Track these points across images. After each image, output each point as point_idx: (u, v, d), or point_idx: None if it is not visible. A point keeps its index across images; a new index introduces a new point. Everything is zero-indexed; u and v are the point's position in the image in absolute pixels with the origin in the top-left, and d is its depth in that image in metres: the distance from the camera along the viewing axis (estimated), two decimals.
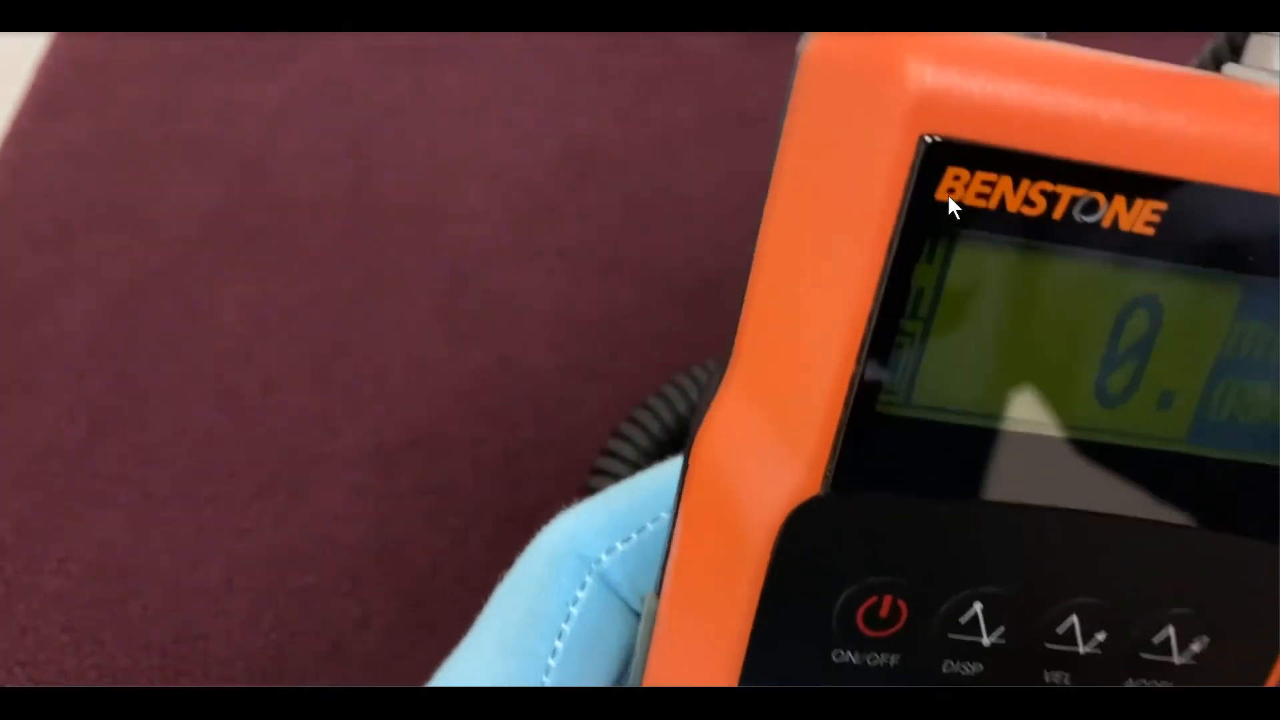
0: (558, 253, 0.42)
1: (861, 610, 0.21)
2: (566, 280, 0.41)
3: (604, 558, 0.26)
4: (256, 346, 0.40)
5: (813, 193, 0.21)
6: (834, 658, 0.21)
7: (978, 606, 0.21)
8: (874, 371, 0.19)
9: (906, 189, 0.19)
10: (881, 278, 0.19)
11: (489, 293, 0.41)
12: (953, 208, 0.19)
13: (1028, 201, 0.19)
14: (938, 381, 0.20)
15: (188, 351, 0.40)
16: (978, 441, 0.20)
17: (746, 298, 0.22)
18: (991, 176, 0.19)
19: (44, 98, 0.47)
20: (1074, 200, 0.19)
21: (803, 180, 0.21)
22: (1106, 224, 0.19)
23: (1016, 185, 0.19)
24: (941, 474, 0.20)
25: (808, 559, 0.21)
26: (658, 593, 0.23)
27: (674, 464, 0.27)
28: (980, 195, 0.19)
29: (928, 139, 0.18)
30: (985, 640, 0.22)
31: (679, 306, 0.40)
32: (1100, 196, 0.19)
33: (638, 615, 0.26)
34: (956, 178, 0.19)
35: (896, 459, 0.20)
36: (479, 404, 0.39)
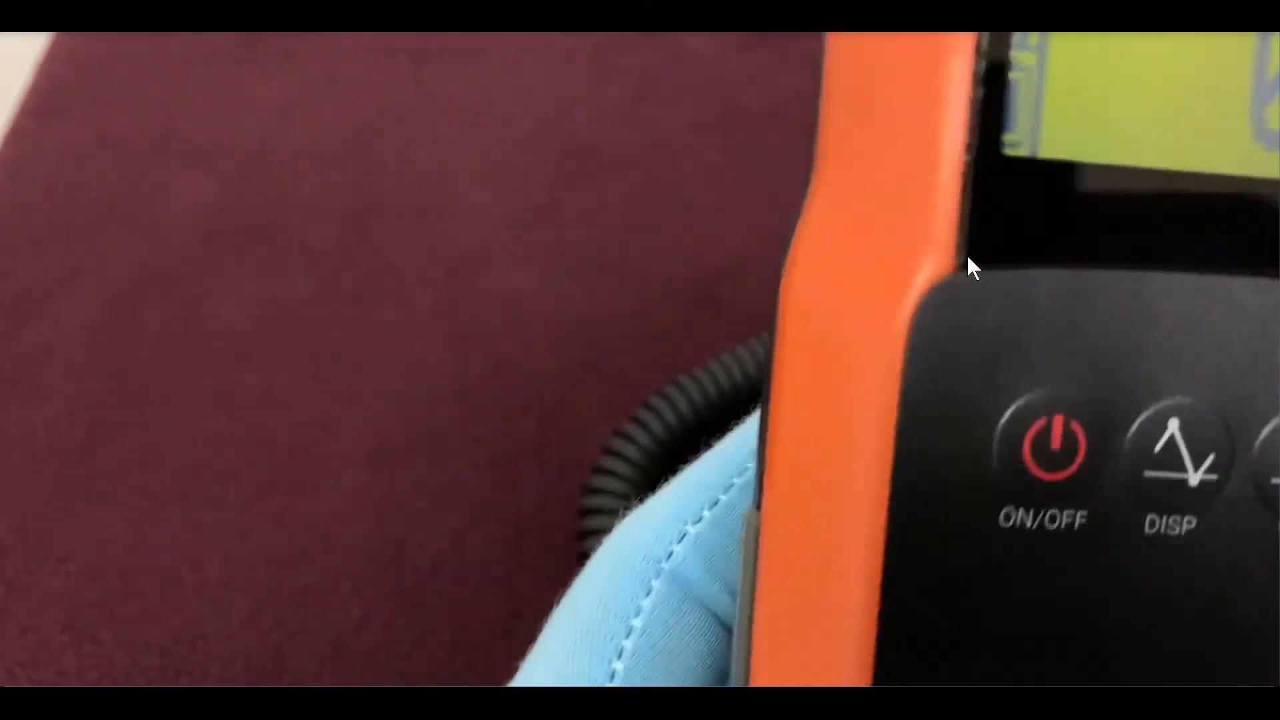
0: (558, 252, 0.42)
1: (1028, 441, 0.17)
2: (566, 280, 0.41)
3: (676, 548, 0.21)
4: (256, 346, 0.40)
5: None
6: (1002, 521, 0.17)
7: (1174, 427, 0.17)
8: (992, 113, 0.16)
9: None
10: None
11: (489, 292, 0.41)
12: None
13: None
14: (1069, 125, 0.16)
15: (187, 351, 0.40)
16: (1135, 192, 0.17)
17: (824, 92, 0.18)
18: None
19: (43, 97, 0.47)
20: None
21: None
22: None
23: None
24: (1097, 236, 0.17)
25: (950, 367, 0.16)
26: (758, 505, 0.19)
27: (740, 428, 0.23)
28: None
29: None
30: (1192, 477, 0.17)
31: (679, 306, 0.40)
32: None
33: (723, 624, 0.21)
34: None
35: (1042, 217, 0.17)
36: (479, 404, 0.39)
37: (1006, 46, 0.16)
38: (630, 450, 0.35)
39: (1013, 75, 0.16)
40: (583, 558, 0.34)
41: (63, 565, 0.36)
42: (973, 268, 0.16)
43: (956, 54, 0.16)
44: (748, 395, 0.37)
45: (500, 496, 0.37)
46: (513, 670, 0.33)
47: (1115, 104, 0.16)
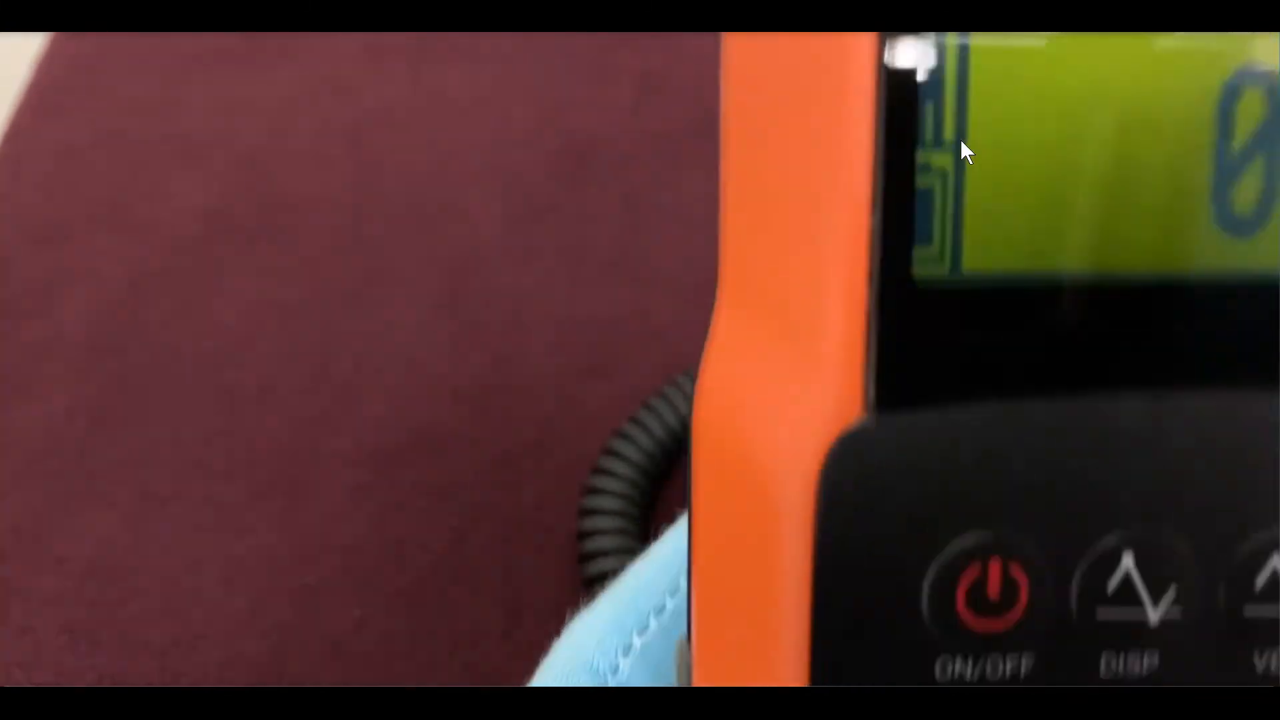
0: (557, 251, 0.41)
1: (962, 591, 0.15)
2: (566, 279, 0.41)
3: (622, 663, 0.20)
4: (255, 346, 0.40)
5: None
6: (938, 671, 0.15)
7: (1129, 560, 0.15)
8: (897, 230, 0.14)
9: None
10: (878, 104, 0.14)
11: (488, 292, 0.41)
12: None
13: None
14: (993, 229, 0.15)
15: (186, 351, 0.40)
16: (1075, 304, 0.15)
17: (722, 204, 0.16)
18: None
19: (41, 95, 0.47)
20: None
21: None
22: None
23: None
24: (1030, 361, 0.15)
25: (866, 521, 0.15)
26: (689, 637, 0.17)
27: (681, 520, 0.21)
28: None
29: None
30: (1152, 615, 0.15)
31: (680, 306, 0.40)
32: None
33: None
34: None
35: (960, 349, 0.15)
36: (478, 404, 0.38)
37: (911, 146, 0.14)
38: (630, 451, 0.35)
39: (923, 182, 0.14)
40: (582, 559, 0.34)
41: (61, 566, 0.36)
42: (879, 412, 0.15)
43: (854, 165, 0.14)
44: None
45: (500, 497, 0.37)
46: (512, 671, 0.33)
47: (1048, 202, 0.15)
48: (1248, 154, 0.15)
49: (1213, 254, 0.15)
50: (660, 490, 0.36)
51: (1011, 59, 0.14)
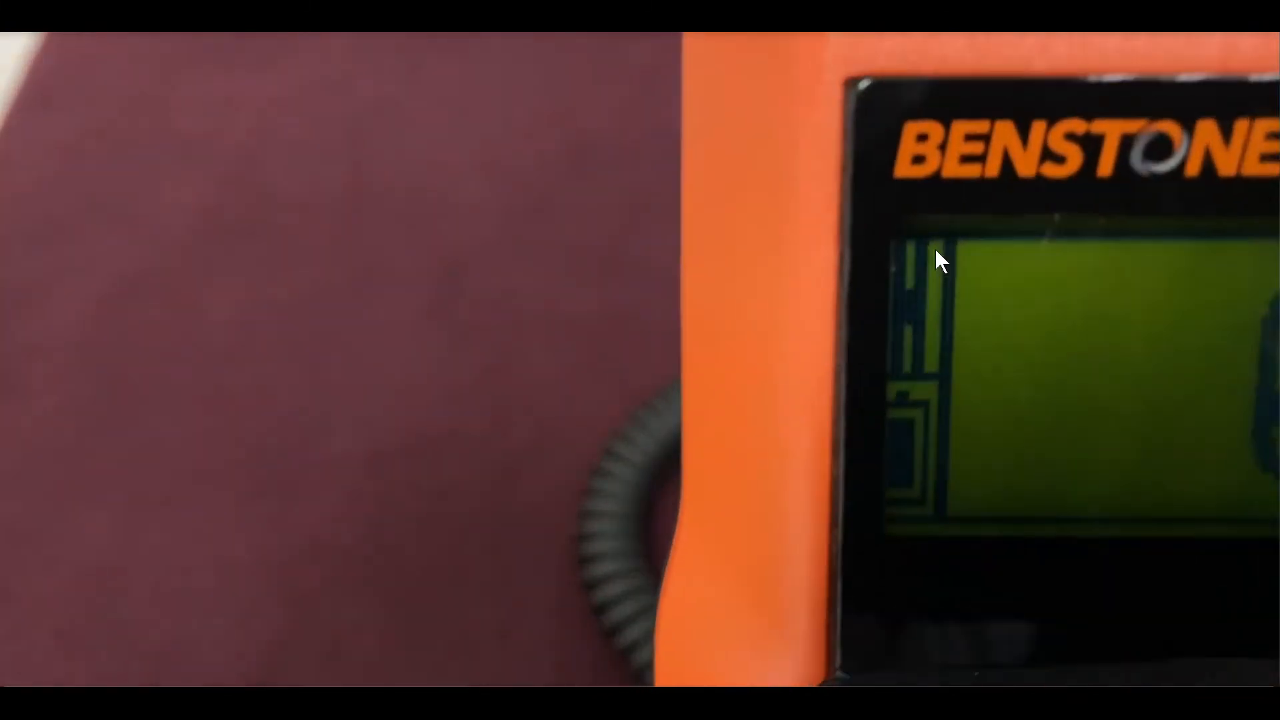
0: (556, 249, 0.41)
1: None
2: (565, 278, 0.41)
3: None
4: (248, 346, 0.40)
5: (727, 176, 0.14)
6: None
7: None
8: (866, 474, 0.13)
9: (845, 168, 0.13)
10: (839, 317, 0.12)
11: (486, 290, 0.41)
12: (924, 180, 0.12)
13: (1050, 156, 0.12)
14: (987, 470, 0.13)
15: (178, 350, 0.40)
16: (1085, 558, 0.12)
17: (685, 401, 0.15)
18: (980, 125, 0.12)
19: (33, 93, 0.47)
20: (1126, 141, 0.12)
21: (712, 180, 0.14)
22: (1193, 171, 0.12)
23: (1024, 132, 0.12)
24: (1017, 628, 0.12)
25: None
26: None
27: None
28: (968, 159, 0.12)
29: (861, 82, 0.12)
30: None
31: (680, 304, 0.40)
32: (1172, 127, 0.12)
33: None
34: (922, 137, 0.12)
35: (935, 609, 0.13)
36: (476, 404, 0.38)
37: (882, 381, 0.13)
38: (630, 452, 0.35)
39: (899, 415, 0.13)
40: (582, 561, 0.34)
41: (52, 568, 0.36)
42: (844, 676, 0.13)
43: (816, 405, 0.13)
44: None
45: (498, 498, 0.36)
46: (511, 674, 0.33)
47: (1053, 435, 0.13)
48: None
49: (1255, 498, 0.13)
50: (661, 492, 0.36)
51: (1006, 262, 0.13)
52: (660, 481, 0.36)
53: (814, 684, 0.13)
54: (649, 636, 0.32)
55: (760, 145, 0.13)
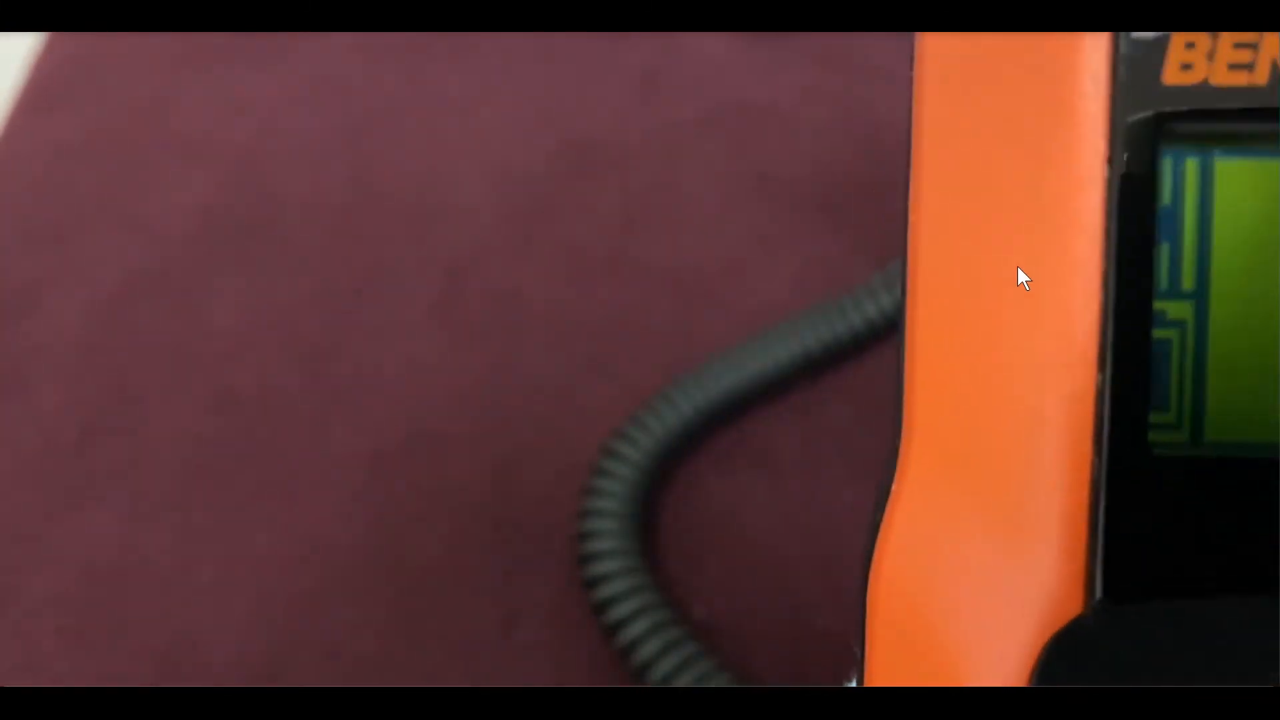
0: (556, 250, 0.41)
1: None
2: (565, 278, 0.41)
3: None
4: (250, 347, 0.40)
5: (971, 143, 0.13)
6: None
7: None
8: (1130, 392, 0.12)
9: (1116, 76, 0.12)
10: (1107, 239, 0.12)
11: (487, 291, 0.41)
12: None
13: None
14: (1244, 395, 0.12)
15: (181, 351, 0.40)
16: None
17: (907, 345, 0.14)
18: (1250, 36, 0.12)
19: (36, 94, 0.47)
20: None
21: (952, 132, 0.14)
22: None
23: None
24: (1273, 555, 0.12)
25: None
26: None
27: None
28: (1237, 66, 0.12)
29: None
30: None
31: (681, 304, 0.40)
32: None
33: None
34: (1190, 45, 0.12)
35: (1202, 534, 0.12)
36: (476, 404, 0.38)
37: (1148, 298, 0.12)
38: (630, 451, 0.35)
39: (1159, 334, 0.12)
40: (582, 560, 0.34)
41: (53, 568, 0.36)
42: (1104, 606, 0.12)
43: (1079, 311, 0.12)
44: (747, 396, 0.36)
45: (498, 498, 0.36)
46: (511, 673, 0.33)
47: None
48: None
49: None
50: (661, 491, 0.36)
51: (1266, 181, 0.12)
52: (660, 481, 0.36)
53: (1069, 618, 0.12)
54: (648, 635, 0.32)
55: (1029, 71, 0.13)
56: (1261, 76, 0.12)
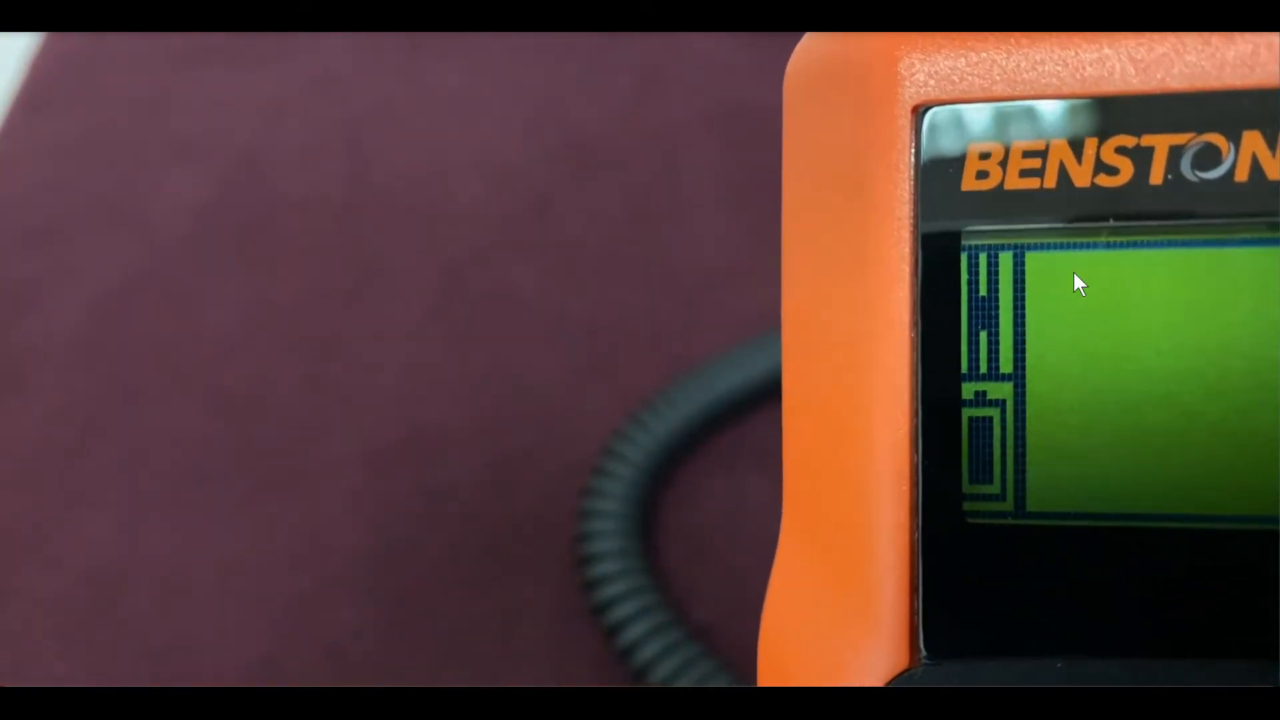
0: (556, 250, 0.41)
1: None
2: (565, 278, 0.41)
3: None
4: (248, 346, 0.40)
5: (816, 203, 0.15)
6: None
7: None
8: (942, 468, 0.13)
9: (917, 185, 0.14)
10: (914, 323, 0.14)
11: (485, 291, 0.40)
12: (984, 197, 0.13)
13: (1103, 168, 0.13)
14: (1063, 468, 0.13)
15: (178, 351, 0.40)
16: (1152, 552, 0.13)
17: (784, 410, 0.16)
18: (1037, 144, 0.13)
19: (33, 93, 0.47)
20: (1176, 152, 0.13)
21: (806, 191, 0.15)
22: (1242, 176, 0.13)
23: (1079, 148, 0.13)
24: (1097, 616, 0.13)
25: None
26: None
27: None
28: (1028, 174, 0.14)
29: (928, 110, 0.13)
30: None
31: (681, 304, 0.40)
32: (1218, 139, 0.13)
33: None
34: (985, 155, 0.14)
35: (1026, 598, 0.13)
36: (476, 405, 0.38)
37: (956, 379, 0.13)
38: (630, 451, 0.35)
39: (978, 413, 0.13)
40: (582, 561, 0.34)
41: (52, 568, 0.36)
42: (929, 663, 0.14)
43: (894, 395, 0.13)
44: (748, 396, 0.36)
45: (498, 499, 0.36)
46: (510, 674, 0.33)
47: (1126, 434, 0.13)
48: None
49: None
50: (661, 492, 0.36)
51: (1070, 271, 0.13)
52: (660, 482, 0.36)
53: (899, 671, 0.14)
54: (648, 636, 0.32)
55: (845, 172, 0.15)
56: (1051, 181, 0.14)
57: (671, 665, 0.31)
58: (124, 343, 0.40)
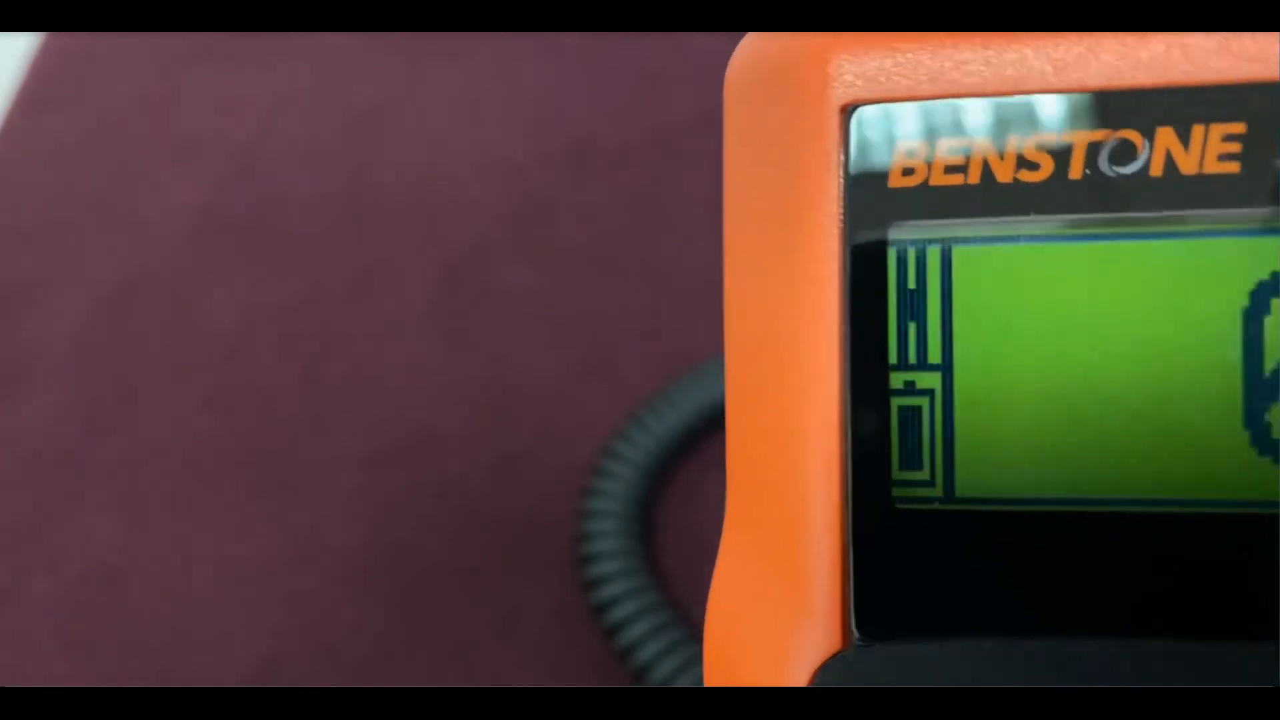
0: (556, 250, 0.41)
1: None
2: (565, 278, 0.41)
3: None
4: (248, 346, 0.40)
5: (752, 200, 0.16)
6: None
7: None
8: (870, 455, 0.14)
9: (845, 182, 0.14)
10: (844, 316, 0.14)
11: (486, 291, 0.40)
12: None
13: (1024, 164, 0.14)
14: (992, 455, 0.14)
15: (178, 350, 0.40)
16: (1088, 537, 0.14)
17: (727, 404, 0.16)
18: (961, 141, 0.14)
19: (33, 93, 0.47)
20: (1094, 148, 0.14)
21: (745, 199, 0.16)
22: (1157, 171, 0.14)
23: (1001, 145, 0.14)
24: (1028, 599, 0.14)
25: None
26: None
27: None
28: (952, 170, 0.14)
29: (856, 109, 0.14)
30: None
31: (681, 304, 0.40)
32: (1133, 135, 0.14)
33: None
34: (911, 153, 0.14)
35: (955, 580, 0.14)
36: (476, 405, 0.38)
37: (884, 370, 0.14)
38: (630, 452, 0.35)
39: (907, 402, 0.14)
40: (582, 561, 0.34)
41: (52, 568, 0.36)
42: (862, 645, 0.14)
43: (824, 387, 0.14)
44: None
45: (498, 499, 0.36)
46: (511, 674, 0.33)
47: (1052, 421, 0.14)
48: None
49: (1251, 482, 0.13)
50: (661, 492, 0.36)
51: (996, 264, 0.14)
52: (660, 482, 0.36)
53: (831, 653, 0.14)
54: (648, 636, 0.32)
55: (778, 170, 0.15)
56: (974, 177, 0.14)
57: (671, 665, 0.31)
58: (124, 343, 0.40)
